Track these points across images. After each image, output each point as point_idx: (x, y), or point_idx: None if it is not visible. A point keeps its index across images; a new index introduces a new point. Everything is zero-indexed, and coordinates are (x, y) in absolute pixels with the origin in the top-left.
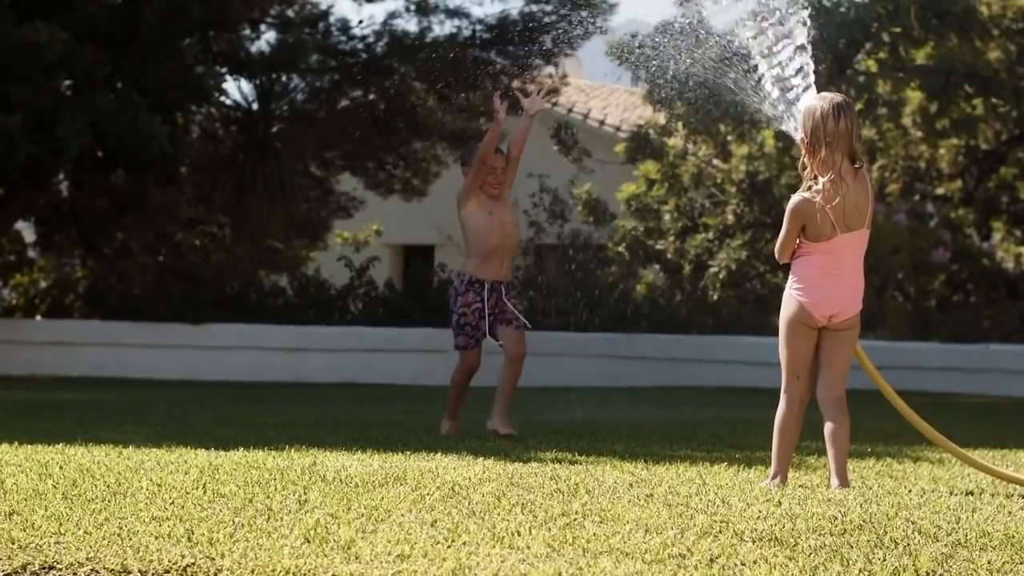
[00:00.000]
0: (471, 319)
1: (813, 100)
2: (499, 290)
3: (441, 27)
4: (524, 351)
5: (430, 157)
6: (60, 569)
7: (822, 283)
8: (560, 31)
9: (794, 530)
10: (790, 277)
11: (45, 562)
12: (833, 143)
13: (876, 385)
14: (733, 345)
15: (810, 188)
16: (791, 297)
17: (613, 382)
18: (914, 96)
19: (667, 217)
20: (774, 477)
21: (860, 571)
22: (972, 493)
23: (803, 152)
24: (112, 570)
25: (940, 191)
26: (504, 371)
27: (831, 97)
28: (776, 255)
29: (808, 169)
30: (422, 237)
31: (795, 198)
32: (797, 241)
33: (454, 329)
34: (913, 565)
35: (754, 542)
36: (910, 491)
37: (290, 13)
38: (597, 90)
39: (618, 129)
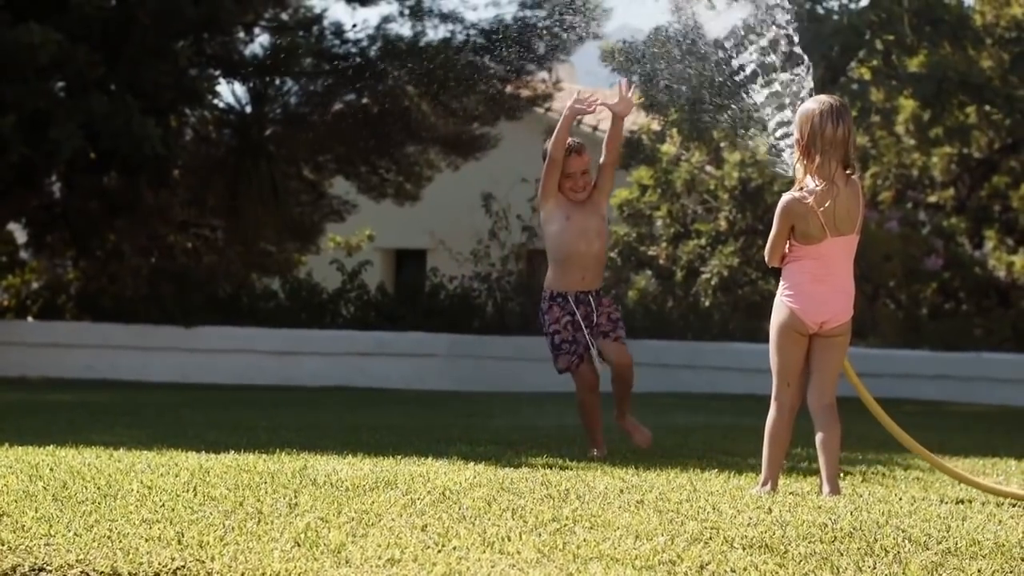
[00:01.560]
0: (567, 335)
1: (811, 103)
2: (587, 301)
3: (435, 31)
4: (628, 361)
5: (423, 161)
6: (50, 571)
7: (813, 289)
8: (554, 36)
9: (784, 537)
10: (781, 283)
11: (35, 564)
12: (828, 149)
13: (860, 396)
14: (724, 351)
15: (801, 189)
16: (782, 304)
17: (604, 388)
18: (907, 104)
19: (659, 223)
20: (764, 484)
21: None
22: (962, 501)
23: (797, 153)
24: (102, 572)
25: (933, 199)
26: (614, 386)
27: (829, 101)
28: (766, 257)
29: (801, 170)
30: (414, 241)
31: (785, 197)
32: (787, 246)
33: (552, 352)
34: (903, 573)
35: (744, 549)
36: (900, 499)
37: (284, 16)
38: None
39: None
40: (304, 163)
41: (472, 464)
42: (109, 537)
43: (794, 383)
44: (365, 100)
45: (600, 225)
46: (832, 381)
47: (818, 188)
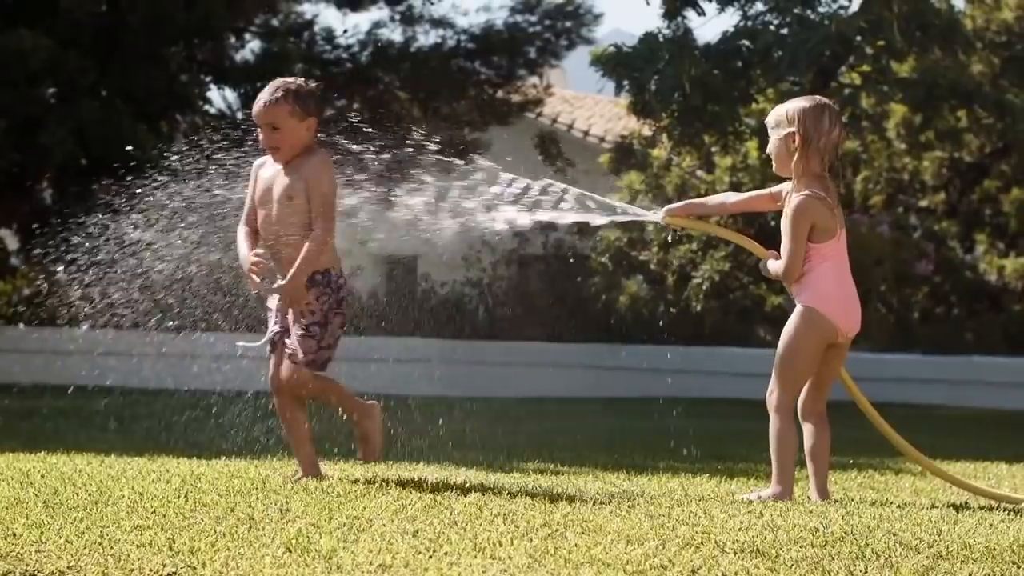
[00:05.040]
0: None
1: (808, 101)
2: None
3: (426, 37)
4: (282, 382)
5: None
6: None
7: (839, 293)
8: (544, 42)
9: (776, 542)
10: (805, 294)
11: (26, 570)
12: (826, 149)
13: (856, 400)
14: (716, 356)
15: (804, 188)
16: (816, 314)
17: (595, 392)
18: (898, 108)
19: (651, 228)
20: (783, 496)
21: None
22: (954, 505)
23: (794, 148)
24: None
25: (924, 203)
26: None
27: (828, 104)
28: (788, 271)
29: (796, 164)
30: (405, 247)
31: (798, 199)
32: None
33: None
34: None
35: (736, 553)
36: (892, 503)
37: (275, 22)
38: (581, 101)
39: (602, 140)
40: None
41: (463, 469)
42: (100, 543)
43: (801, 392)
44: (356, 105)
45: (289, 191)
46: (829, 388)
47: (826, 183)
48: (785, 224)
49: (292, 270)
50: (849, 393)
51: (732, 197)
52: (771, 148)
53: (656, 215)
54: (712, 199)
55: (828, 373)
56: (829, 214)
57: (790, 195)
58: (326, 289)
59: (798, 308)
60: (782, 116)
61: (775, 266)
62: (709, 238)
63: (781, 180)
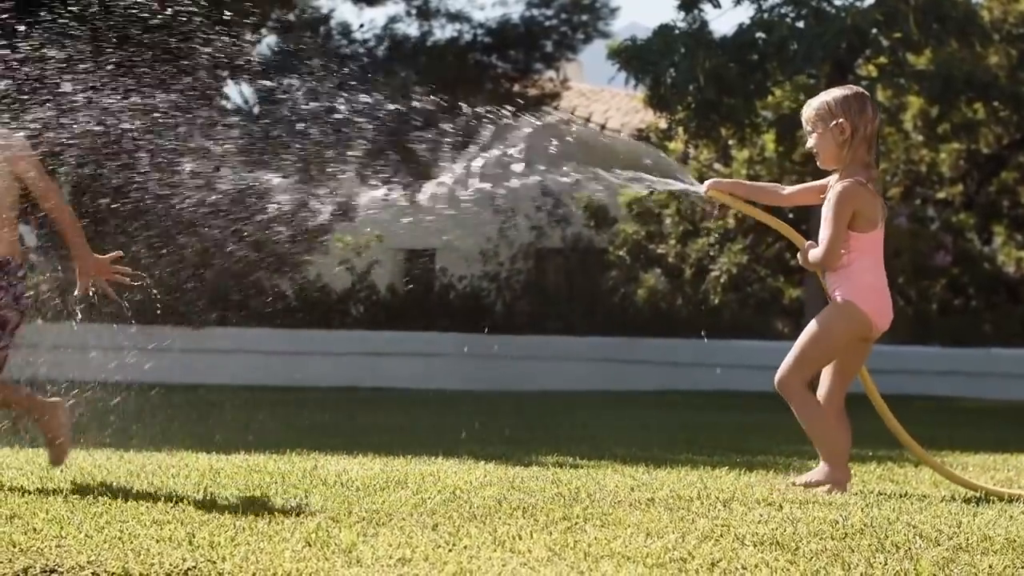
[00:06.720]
0: None
1: (852, 91)
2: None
3: (442, 31)
4: None
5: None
6: (61, 572)
7: (880, 286)
8: (561, 35)
9: (795, 534)
10: (844, 287)
11: (46, 565)
12: (869, 138)
13: (868, 394)
14: (733, 349)
15: (850, 176)
16: (854, 308)
17: (614, 386)
18: (915, 100)
19: (668, 221)
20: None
21: (861, 575)
22: (974, 498)
23: (844, 139)
24: (113, 573)
25: (941, 195)
26: None
27: (865, 92)
28: (825, 259)
29: (845, 155)
30: (423, 241)
31: (842, 185)
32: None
33: None
34: (914, 569)
35: (755, 546)
36: (911, 495)
37: (291, 17)
38: (598, 94)
39: (619, 133)
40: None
41: (482, 463)
42: (120, 538)
43: (810, 377)
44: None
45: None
46: (850, 383)
47: (871, 172)
48: (826, 210)
49: None
50: (865, 389)
51: (784, 188)
52: (815, 143)
53: (700, 187)
54: (762, 185)
55: (852, 368)
56: (872, 202)
57: (834, 184)
58: (2, 282)
59: (835, 301)
60: (824, 109)
61: (814, 253)
62: (727, 231)
63: (801, 176)
